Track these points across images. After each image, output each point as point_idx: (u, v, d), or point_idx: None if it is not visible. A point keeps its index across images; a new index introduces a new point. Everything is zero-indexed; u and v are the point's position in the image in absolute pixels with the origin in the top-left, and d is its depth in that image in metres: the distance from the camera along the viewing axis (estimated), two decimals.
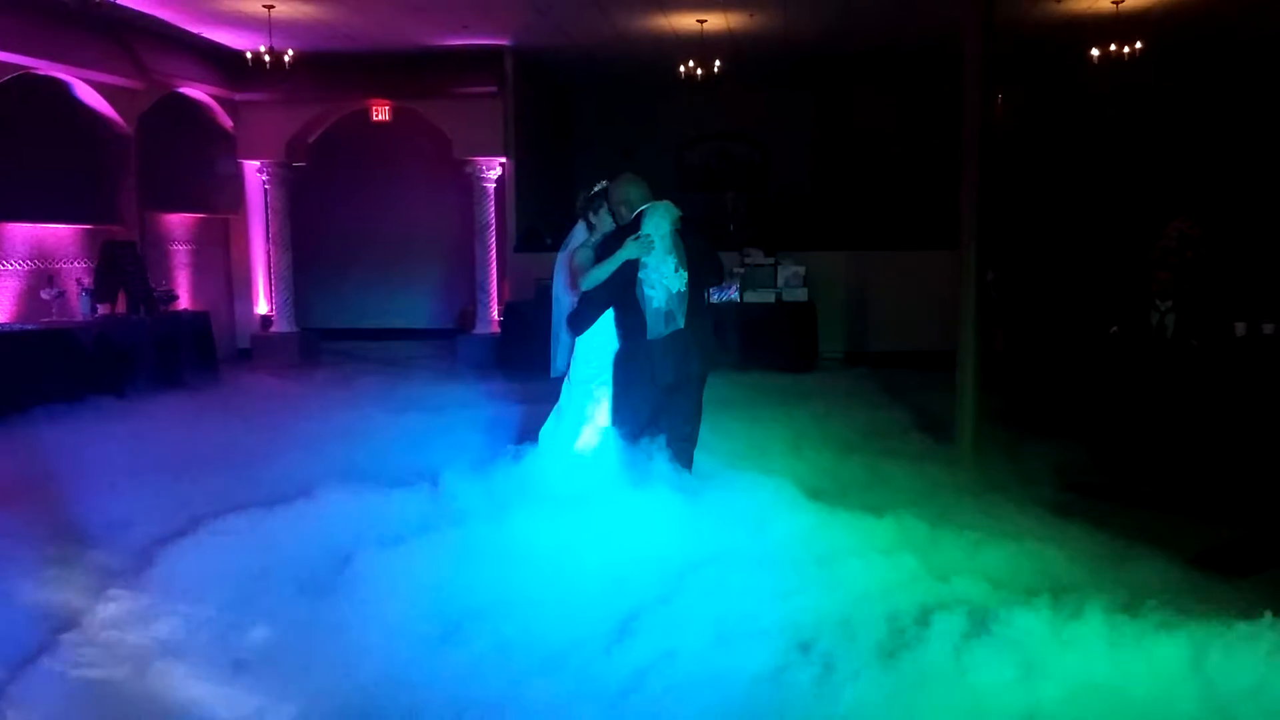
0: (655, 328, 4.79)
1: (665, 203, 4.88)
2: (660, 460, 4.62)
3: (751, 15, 10.65)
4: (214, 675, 3.40)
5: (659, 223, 4.80)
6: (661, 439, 4.75)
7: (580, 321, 5.04)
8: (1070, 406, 7.45)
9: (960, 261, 6.31)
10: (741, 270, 11.31)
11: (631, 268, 4.78)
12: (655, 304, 4.78)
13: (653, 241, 4.75)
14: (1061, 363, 8.20)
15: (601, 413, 5.03)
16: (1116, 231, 11.14)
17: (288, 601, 3.85)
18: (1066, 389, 7.64)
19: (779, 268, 11.37)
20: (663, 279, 4.76)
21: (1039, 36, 11.50)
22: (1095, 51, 10.79)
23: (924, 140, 14.32)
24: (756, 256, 11.49)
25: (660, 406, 4.88)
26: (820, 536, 4.35)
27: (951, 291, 6.57)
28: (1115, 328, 7.07)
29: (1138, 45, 10.58)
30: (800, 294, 11.27)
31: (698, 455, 5.10)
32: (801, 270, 11.36)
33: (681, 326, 4.79)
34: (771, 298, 11.22)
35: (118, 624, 3.76)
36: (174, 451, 6.52)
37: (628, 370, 4.91)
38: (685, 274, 4.79)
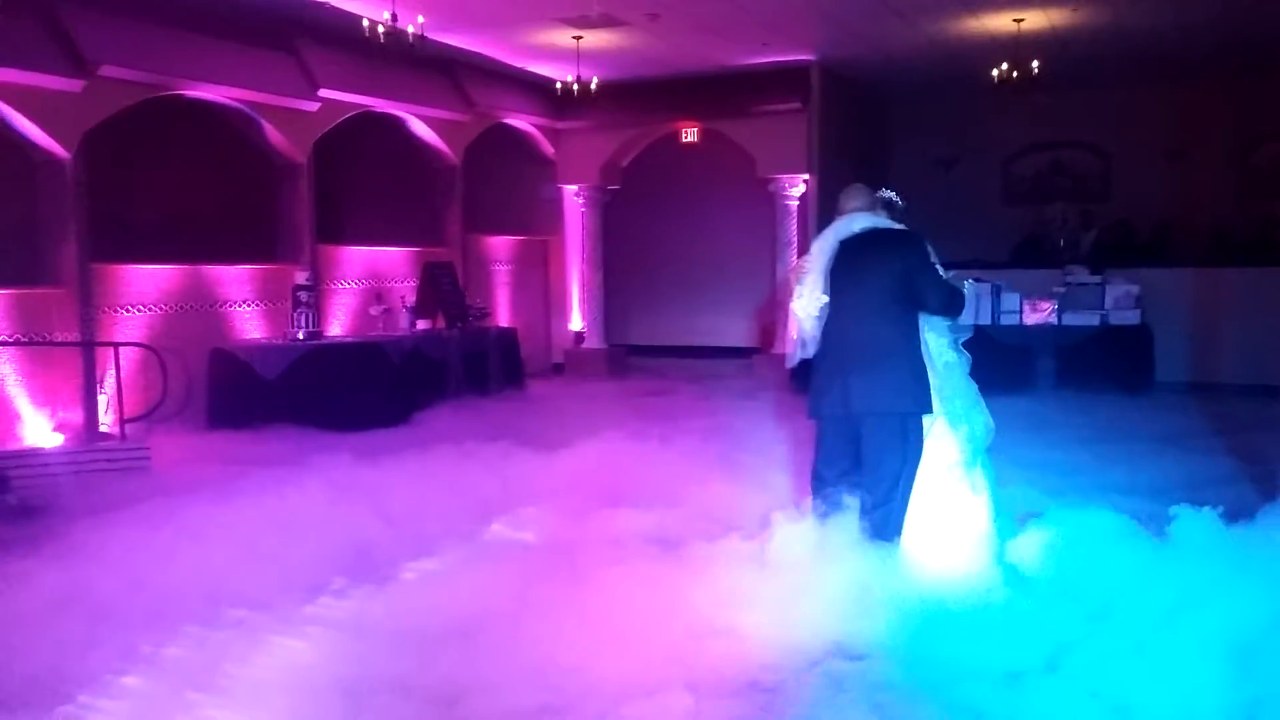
0: (791, 354, 4.42)
1: (852, 215, 4.43)
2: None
3: (1075, 9, 9.66)
4: None
5: (825, 239, 4.39)
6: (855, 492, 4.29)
7: None
8: None
9: None
10: (1061, 290, 10.28)
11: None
12: (799, 328, 4.38)
13: (809, 262, 4.38)
14: None
15: None
16: None
17: None
18: None
19: (1108, 287, 10.20)
20: (801, 302, 4.34)
21: None
22: None
23: None
24: (1080, 275, 10.38)
25: (843, 445, 4.38)
26: None
27: None
28: None
29: None
30: (1131, 316, 10.02)
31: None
32: (1134, 290, 10.10)
33: (809, 355, 4.33)
34: (1095, 320, 10.07)
35: None
36: None
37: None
38: (824, 298, 4.28)
